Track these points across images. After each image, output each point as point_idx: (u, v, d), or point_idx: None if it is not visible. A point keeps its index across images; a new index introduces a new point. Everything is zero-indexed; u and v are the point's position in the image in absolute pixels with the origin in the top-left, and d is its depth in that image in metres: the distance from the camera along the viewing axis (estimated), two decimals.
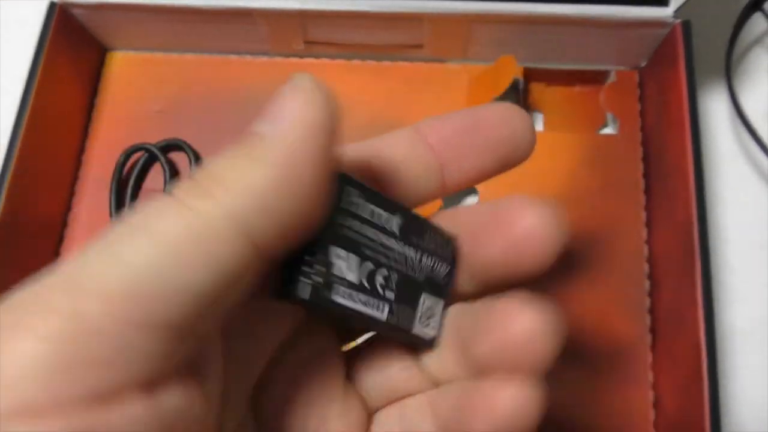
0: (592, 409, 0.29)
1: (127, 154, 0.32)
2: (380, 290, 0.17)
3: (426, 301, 0.19)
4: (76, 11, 0.32)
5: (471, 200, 0.33)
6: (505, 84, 0.33)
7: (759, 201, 0.34)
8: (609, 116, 0.35)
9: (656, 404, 0.29)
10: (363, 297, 0.17)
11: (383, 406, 0.20)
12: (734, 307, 0.32)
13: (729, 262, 0.33)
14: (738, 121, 0.33)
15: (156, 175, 0.33)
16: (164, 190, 0.32)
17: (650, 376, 0.29)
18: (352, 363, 0.19)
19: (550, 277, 0.31)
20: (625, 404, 0.29)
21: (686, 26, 0.30)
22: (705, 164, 0.31)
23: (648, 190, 0.32)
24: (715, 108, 0.35)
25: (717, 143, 0.35)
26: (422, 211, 0.23)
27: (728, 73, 0.34)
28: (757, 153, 0.34)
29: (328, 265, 0.16)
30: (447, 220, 0.19)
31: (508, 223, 0.18)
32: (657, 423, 0.29)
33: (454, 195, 0.32)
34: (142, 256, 0.13)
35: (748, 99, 0.35)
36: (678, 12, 0.30)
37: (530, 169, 0.32)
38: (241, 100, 0.34)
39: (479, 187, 0.32)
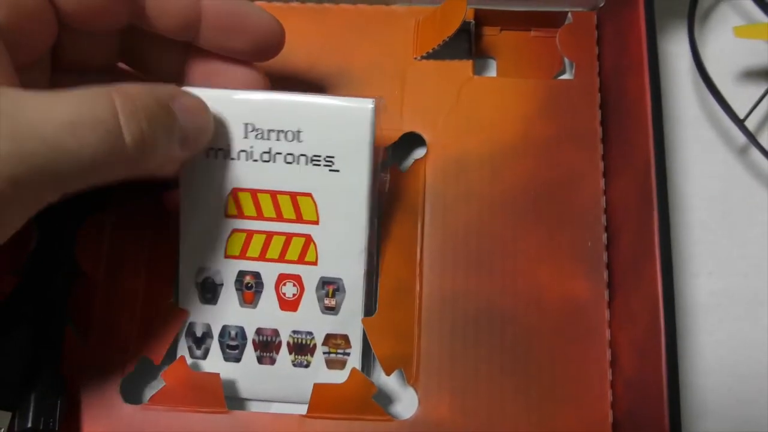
0: (546, 369, 0.27)
1: None
2: None
3: None
4: None
5: (420, 152, 0.31)
6: (453, 27, 0.30)
7: (719, 154, 0.32)
8: (566, 61, 0.32)
9: (613, 363, 0.27)
10: None
11: None
12: (697, 279, 0.30)
13: (691, 233, 0.31)
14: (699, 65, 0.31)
15: None
16: None
17: (608, 334, 0.28)
18: None
19: (506, 231, 0.29)
20: (581, 363, 0.27)
21: None
22: (665, 110, 0.30)
23: (606, 138, 0.30)
24: (676, 51, 0.33)
25: (677, 88, 0.33)
26: None
27: (691, 15, 0.32)
28: (718, 108, 0.32)
29: None
30: None
31: None
32: (614, 382, 0.27)
33: (401, 145, 0.30)
34: None
35: (710, 38, 0.33)
36: None
37: (483, 117, 0.30)
38: None
39: (427, 136, 0.30)
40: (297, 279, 0.27)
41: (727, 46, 0.33)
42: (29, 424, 0.25)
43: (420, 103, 0.30)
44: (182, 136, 0.23)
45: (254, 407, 0.28)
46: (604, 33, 0.31)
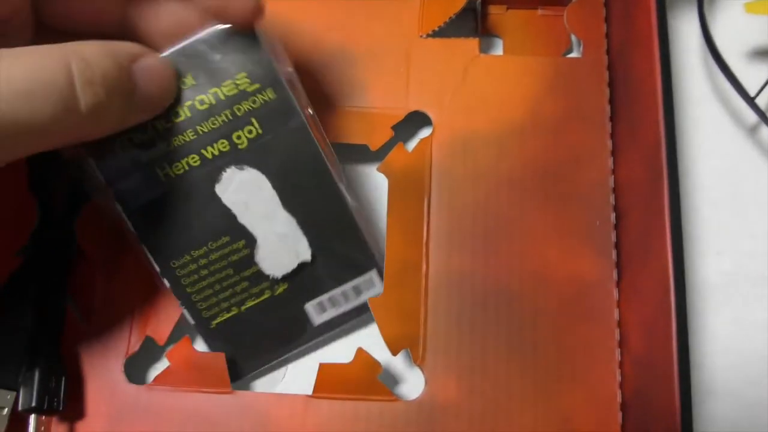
0: (554, 349, 0.27)
1: None
2: None
3: None
4: None
5: (425, 132, 0.31)
6: (459, 5, 0.30)
7: (728, 132, 0.32)
8: (573, 39, 0.32)
9: (622, 343, 0.27)
10: None
11: None
12: (706, 259, 0.30)
13: (700, 212, 0.31)
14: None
15: None
16: None
17: (616, 314, 0.27)
18: None
19: (513, 210, 0.29)
20: (589, 343, 0.27)
21: None
22: (674, 88, 0.29)
23: (614, 117, 0.29)
24: (686, 28, 0.33)
25: (687, 66, 0.32)
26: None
27: None
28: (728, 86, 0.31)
29: None
30: None
31: None
32: (622, 362, 0.27)
33: (406, 124, 0.30)
34: None
35: (720, 15, 0.33)
36: None
37: (490, 96, 0.30)
38: None
39: (433, 115, 0.29)
40: None
41: (737, 22, 0.32)
42: (33, 404, 0.25)
43: (426, 81, 0.30)
44: (141, 101, 0.22)
45: (259, 387, 0.28)
46: (612, 10, 0.31)
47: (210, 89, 0.24)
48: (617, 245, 0.28)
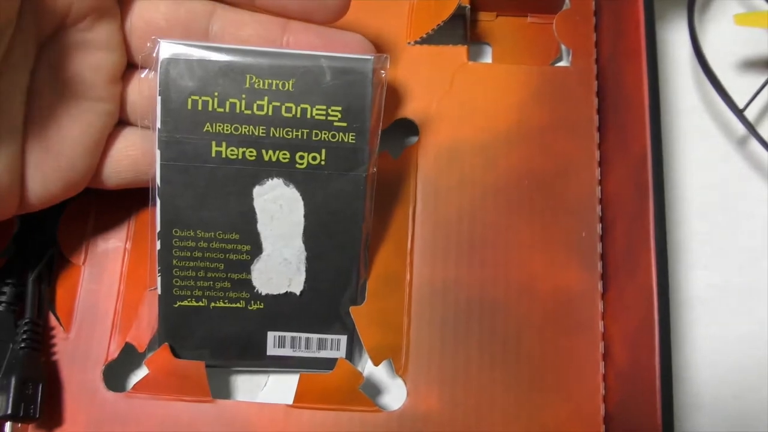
0: (537, 361, 0.27)
1: None
2: None
3: None
4: None
5: (411, 140, 0.31)
6: (448, 11, 0.30)
7: (717, 144, 0.32)
8: (563, 48, 0.32)
9: (606, 355, 0.27)
10: None
11: None
12: (693, 272, 0.30)
13: (687, 225, 0.31)
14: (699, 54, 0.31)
15: None
16: None
17: (601, 326, 0.27)
18: None
19: (499, 220, 0.29)
20: (573, 355, 0.27)
21: None
22: (663, 99, 0.29)
23: (602, 127, 0.29)
24: (676, 39, 0.33)
25: (676, 77, 0.32)
26: None
27: (691, 2, 0.31)
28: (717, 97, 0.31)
29: None
30: None
31: None
32: (606, 375, 0.27)
33: (392, 132, 0.30)
34: None
35: (710, 26, 0.33)
36: None
37: (478, 104, 0.30)
38: None
39: (419, 121, 0.29)
40: None
41: (727, 34, 0.32)
42: (9, 411, 0.24)
43: (413, 88, 0.30)
44: None
45: (240, 396, 0.28)
46: (602, 19, 0.30)
47: (302, 103, 0.24)
48: (603, 257, 0.28)
